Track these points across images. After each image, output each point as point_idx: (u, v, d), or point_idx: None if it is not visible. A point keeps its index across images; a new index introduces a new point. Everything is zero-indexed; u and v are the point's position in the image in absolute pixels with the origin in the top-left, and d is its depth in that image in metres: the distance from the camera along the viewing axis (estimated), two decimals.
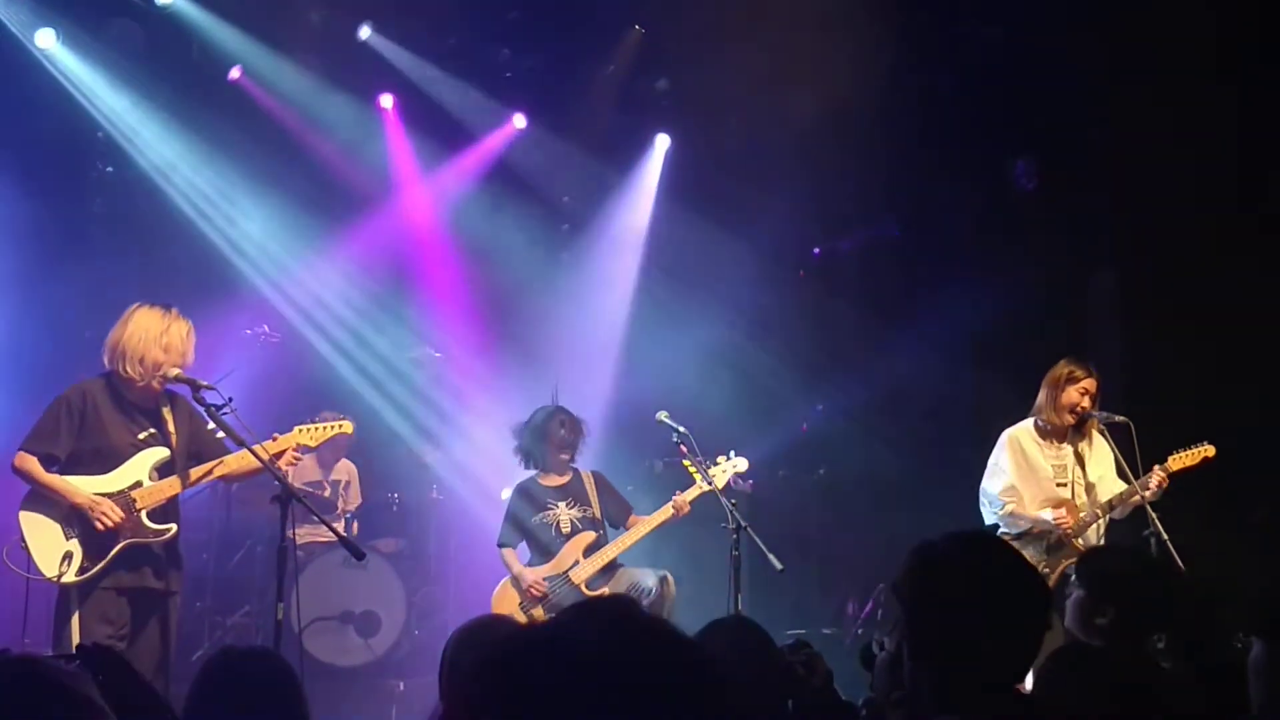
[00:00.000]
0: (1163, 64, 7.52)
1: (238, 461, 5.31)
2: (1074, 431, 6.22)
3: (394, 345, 8.82)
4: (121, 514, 5.10)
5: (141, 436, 5.27)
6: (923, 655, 2.17)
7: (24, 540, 5.09)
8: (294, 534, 4.93)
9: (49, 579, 5.05)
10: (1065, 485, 6.18)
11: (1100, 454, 6.18)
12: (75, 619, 5.05)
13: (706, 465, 6.27)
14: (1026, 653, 2.18)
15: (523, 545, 6.66)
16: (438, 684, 2.87)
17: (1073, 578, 3.69)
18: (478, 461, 8.70)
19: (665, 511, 6.41)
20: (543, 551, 6.58)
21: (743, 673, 3.05)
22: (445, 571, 8.25)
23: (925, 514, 8.25)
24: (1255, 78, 7.38)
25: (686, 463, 6.09)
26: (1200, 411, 7.48)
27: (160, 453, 5.27)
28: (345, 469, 8.23)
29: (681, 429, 6.10)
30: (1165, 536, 5.80)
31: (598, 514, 6.61)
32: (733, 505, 5.88)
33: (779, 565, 5.70)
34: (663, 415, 6.20)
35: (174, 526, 5.29)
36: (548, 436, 6.59)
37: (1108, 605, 3.30)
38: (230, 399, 4.96)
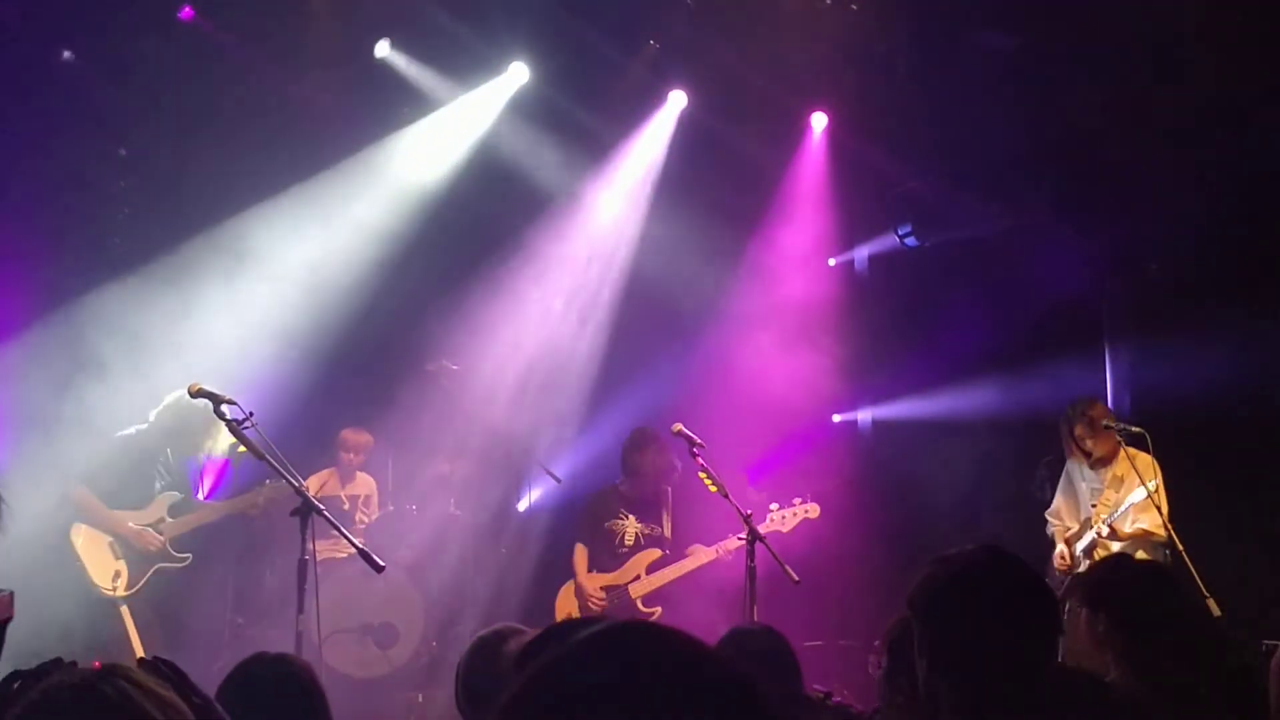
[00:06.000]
0: (1180, 71, 7.52)
1: (230, 507, 6.47)
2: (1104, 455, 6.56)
3: (412, 357, 8.86)
4: (162, 540, 6.20)
5: (158, 485, 6.38)
6: (937, 664, 2.19)
7: (77, 554, 5.95)
8: (314, 546, 4.99)
9: (104, 593, 5.92)
10: (1095, 506, 6.53)
11: (1130, 480, 6.31)
12: (132, 629, 5.91)
13: (781, 508, 6.37)
14: (1038, 660, 2.20)
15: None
16: (454, 697, 2.91)
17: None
18: (494, 473, 8.73)
19: (711, 553, 6.59)
20: (603, 557, 6.75)
21: (763, 679, 3.08)
22: (463, 583, 8.27)
23: (943, 524, 8.27)
24: (1271, 84, 7.37)
25: (703, 475, 6.09)
26: (1214, 420, 7.48)
27: (173, 495, 6.38)
28: (364, 483, 8.27)
29: (699, 441, 6.10)
30: (1180, 548, 5.83)
31: (666, 532, 6.74)
32: (749, 516, 5.90)
33: (795, 578, 5.75)
34: (678, 426, 6.21)
35: (190, 555, 6.37)
36: (633, 456, 6.80)
37: (1101, 613, 3.30)
38: (251, 413, 5.03)
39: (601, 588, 6.60)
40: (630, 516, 6.73)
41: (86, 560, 6.00)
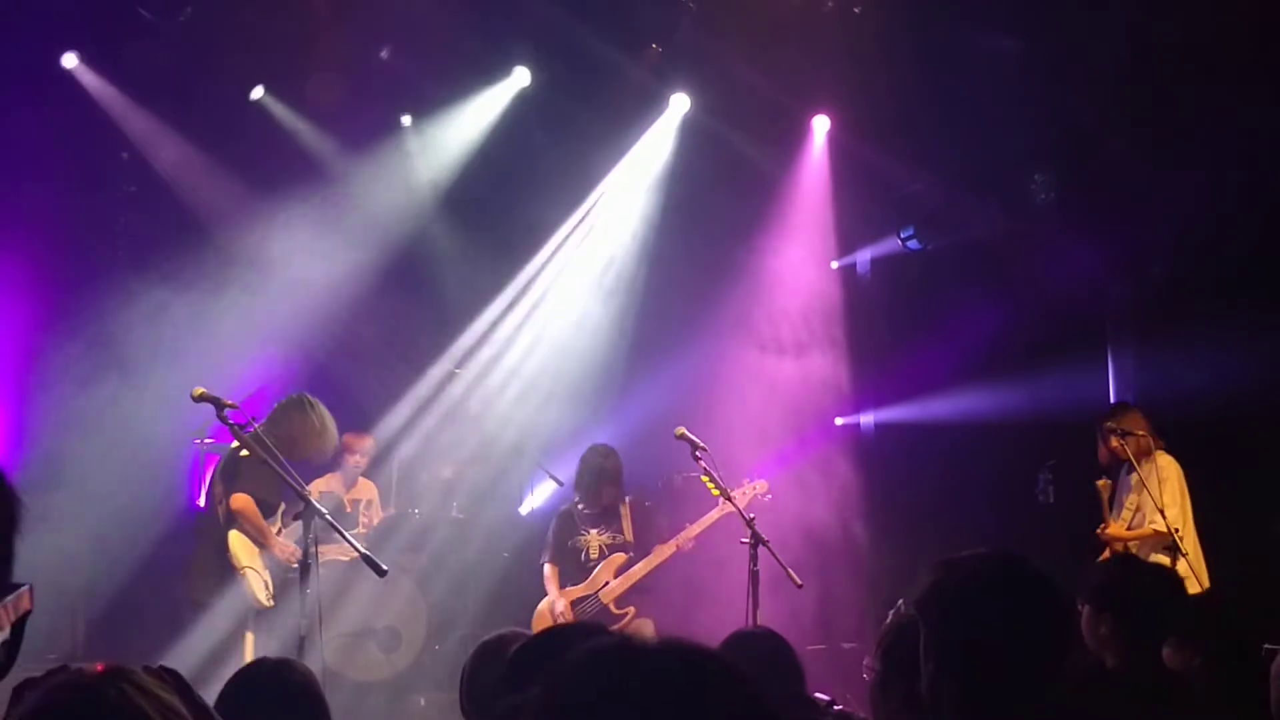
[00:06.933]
0: (1183, 73, 7.51)
1: None
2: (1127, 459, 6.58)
3: (415, 361, 8.86)
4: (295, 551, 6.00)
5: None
6: (944, 667, 2.18)
7: (241, 565, 5.78)
8: (316, 550, 5.00)
9: (262, 605, 5.80)
10: (1125, 509, 6.63)
11: (1150, 483, 6.32)
12: (250, 639, 5.80)
13: (731, 489, 6.36)
14: (1048, 663, 2.19)
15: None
16: (459, 701, 2.90)
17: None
18: (497, 476, 8.73)
19: (670, 547, 6.80)
20: (572, 573, 6.99)
21: (765, 682, 3.08)
22: (466, 587, 8.27)
23: (946, 528, 8.25)
24: (1274, 83, 7.36)
25: (705, 478, 6.09)
26: (1217, 422, 7.47)
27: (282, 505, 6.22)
28: (366, 488, 8.27)
29: (701, 444, 6.09)
30: (1184, 550, 5.83)
31: (629, 537, 6.98)
32: (751, 520, 5.89)
33: (798, 581, 5.74)
34: (682, 430, 6.20)
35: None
36: (592, 480, 7.00)
37: (1106, 615, 3.29)
38: (254, 419, 5.04)
39: (571, 603, 6.83)
40: (591, 531, 7.00)
41: (249, 571, 5.84)
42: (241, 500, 5.92)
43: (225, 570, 5.89)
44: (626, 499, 7.12)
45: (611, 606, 6.81)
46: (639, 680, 1.21)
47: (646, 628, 6.77)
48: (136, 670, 1.55)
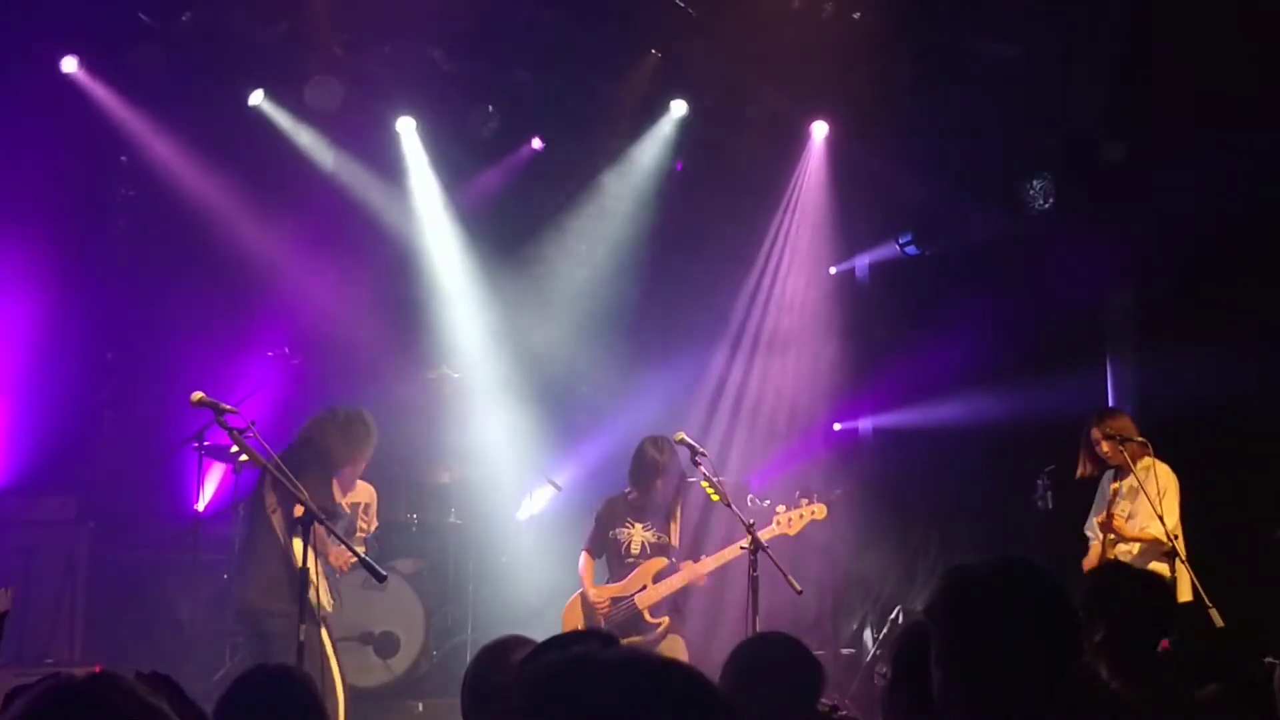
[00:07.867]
0: (1181, 77, 7.52)
1: None
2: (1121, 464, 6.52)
3: (412, 365, 8.86)
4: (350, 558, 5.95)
5: None
6: (954, 673, 2.19)
7: (305, 563, 5.51)
8: (315, 556, 5.00)
9: (326, 609, 5.74)
10: (1111, 514, 6.50)
11: (1150, 489, 6.28)
12: (331, 647, 5.73)
13: (787, 510, 6.34)
14: (1057, 670, 2.19)
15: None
16: (460, 706, 2.90)
17: None
18: (495, 481, 8.72)
19: (683, 578, 6.53)
20: (610, 566, 6.74)
21: (784, 685, 3.11)
22: (464, 592, 8.26)
23: (945, 533, 8.26)
24: (1273, 90, 7.37)
25: (705, 484, 6.07)
26: (1217, 428, 7.47)
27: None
28: (365, 491, 8.25)
29: (701, 449, 6.07)
30: (1183, 556, 5.83)
31: (674, 541, 6.68)
32: (751, 525, 5.88)
33: (798, 587, 5.73)
34: (681, 435, 6.18)
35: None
36: (646, 474, 6.68)
37: (1098, 622, 3.27)
38: (253, 422, 5.04)
39: (609, 599, 6.57)
40: (637, 525, 6.69)
41: (317, 573, 5.69)
42: (296, 507, 5.78)
43: (295, 577, 5.82)
44: (681, 500, 6.77)
45: (646, 614, 6.52)
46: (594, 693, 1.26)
47: (678, 645, 6.54)
48: (126, 675, 1.57)
